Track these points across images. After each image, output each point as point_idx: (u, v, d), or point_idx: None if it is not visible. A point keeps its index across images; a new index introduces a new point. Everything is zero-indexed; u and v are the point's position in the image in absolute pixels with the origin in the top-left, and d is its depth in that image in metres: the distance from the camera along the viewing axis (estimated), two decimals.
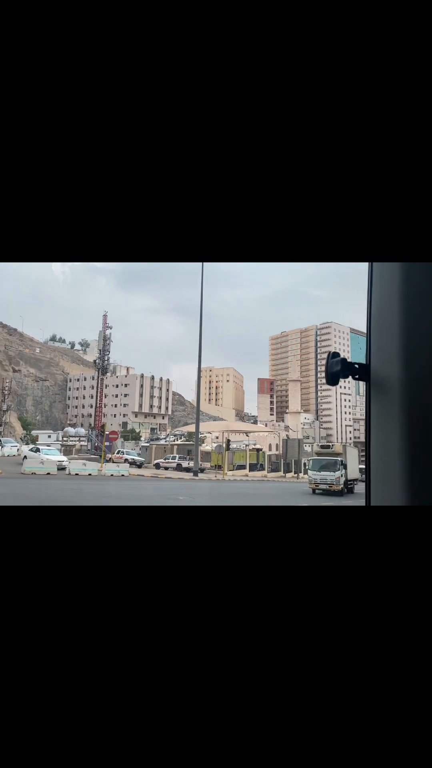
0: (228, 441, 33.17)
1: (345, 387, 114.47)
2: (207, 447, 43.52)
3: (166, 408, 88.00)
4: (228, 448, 32.58)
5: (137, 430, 66.27)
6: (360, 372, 1.18)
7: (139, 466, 34.97)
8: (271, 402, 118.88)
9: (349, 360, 1.20)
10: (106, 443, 37.48)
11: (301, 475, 35.89)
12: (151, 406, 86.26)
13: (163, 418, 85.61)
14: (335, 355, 1.22)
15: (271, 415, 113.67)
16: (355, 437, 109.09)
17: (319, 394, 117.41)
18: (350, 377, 1.18)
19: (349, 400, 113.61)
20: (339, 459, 23.48)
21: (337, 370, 1.19)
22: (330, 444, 29.90)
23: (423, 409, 1.01)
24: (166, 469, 34.06)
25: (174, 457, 35.98)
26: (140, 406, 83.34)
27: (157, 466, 35.43)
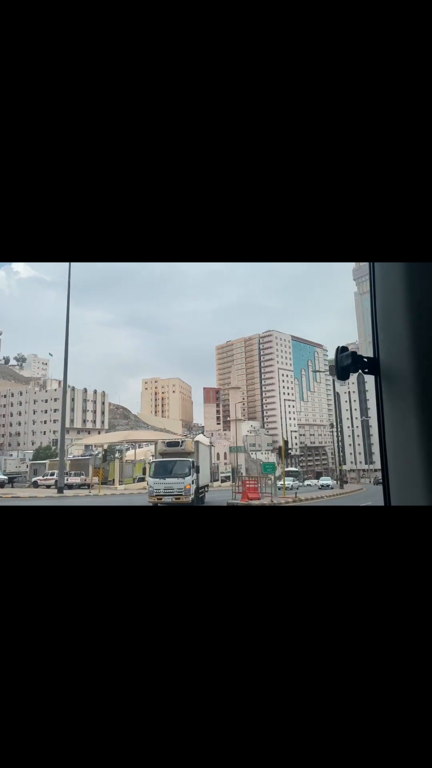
0: (105, 452, 31.24)
1: (288, 393, 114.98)
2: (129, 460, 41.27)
3: (102, 422, 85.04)
4: (105, 459, 30.59)
5: (53, 447, 63.03)
6: (370, 366, 1.14)
7: (1, 485, 32.74)
8: (218, 411, 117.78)
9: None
10: None
11: (217, 483, 33.73)
12: (85, 421, 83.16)
13: (99, 432, 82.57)
14: (344, 349, 1.17)
15: (218, 423, 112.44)
16: (300, 442, 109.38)
17: (264, 401, 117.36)
18: (360, 371, 1.15)
19: (293, 406, 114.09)
20: (190, 460, 17.99)
21: (347, 364, 1.15)
22: (180, 440, 22.71)
23: None
24: (48, 487, 31.87)
25: (52, 474, 33.79)
26: (72, 421, 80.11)
27: (35, 484, 33.13)
